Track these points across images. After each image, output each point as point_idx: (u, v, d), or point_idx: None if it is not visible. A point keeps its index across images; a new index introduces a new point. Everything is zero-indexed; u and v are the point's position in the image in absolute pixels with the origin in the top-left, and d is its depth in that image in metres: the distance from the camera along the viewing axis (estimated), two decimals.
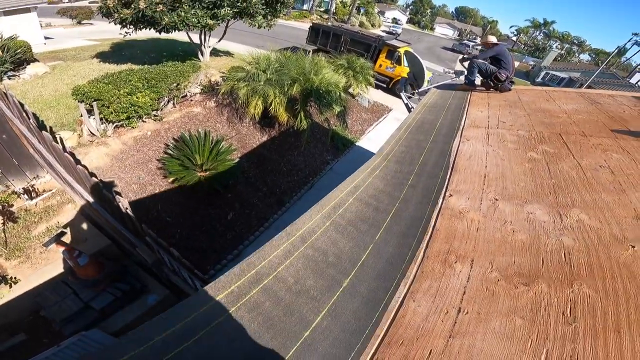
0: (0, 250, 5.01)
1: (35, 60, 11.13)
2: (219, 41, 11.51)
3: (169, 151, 7.16)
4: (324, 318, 1.46)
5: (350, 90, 12.30)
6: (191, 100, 9.18)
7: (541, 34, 52.66)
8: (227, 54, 14.05)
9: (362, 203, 2.32)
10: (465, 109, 4.14)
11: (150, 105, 7.77)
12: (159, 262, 4.59)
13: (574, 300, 1.45)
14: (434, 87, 5.87)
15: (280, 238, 1.85)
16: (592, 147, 2.91)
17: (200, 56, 11.31)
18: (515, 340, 1.30)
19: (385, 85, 15.72)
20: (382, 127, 11.84)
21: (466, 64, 4.94)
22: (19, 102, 5.08)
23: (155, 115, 8.13)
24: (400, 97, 13.78)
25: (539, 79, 31.10)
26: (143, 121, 7.98)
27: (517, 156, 2.83)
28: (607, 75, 28.53)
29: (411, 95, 9.99)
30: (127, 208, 4.31)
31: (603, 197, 2.15)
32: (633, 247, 1.69)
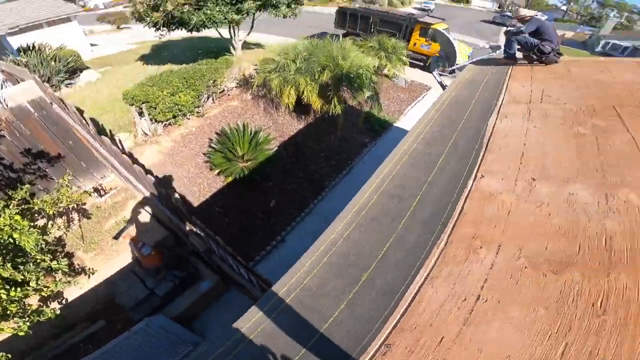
0: (79, 244, 5.58)
1: (86, 67, 11.99)
2: (248, 34, 11.67)
3: (213, 145, 7.54)
4: (341, 312, 1.60)
5: (385, 71, 11.96)
6: (228, 94, 9.49)
7: (594, 2, 47.12)
8: (258, 45, 14.24)
9: (386, 196, 2.30)
10: (505, 85, 3.85)
11: (192, 103, 8.22)
12: (209, 250, 4.91)
13: (607, 291, 1.34)
14: (470, 62, 5.52)
15: (307, 254, 1.96)
16: None
17: (232, 50, 11.56)
18: (534, 331, 1.24)
19: (422, 64, 15.21)
20: (423, 105, 11.45)
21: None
22: (76, 109, 5.56)
23: (197, 112, 8.58)
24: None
25: (599, 48, 27.59)
26: (187, 118, 8.46)
27: (561, 132, 2.61)
28: None
29: (443, 74, 9.42)
30: (177, 200, 4.64)
31: None
32: None
